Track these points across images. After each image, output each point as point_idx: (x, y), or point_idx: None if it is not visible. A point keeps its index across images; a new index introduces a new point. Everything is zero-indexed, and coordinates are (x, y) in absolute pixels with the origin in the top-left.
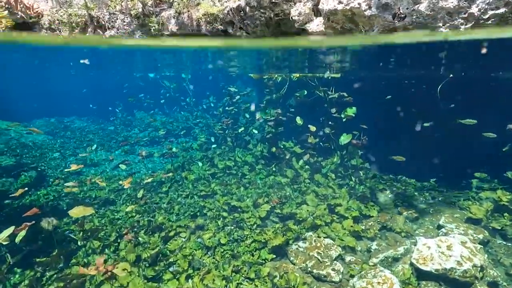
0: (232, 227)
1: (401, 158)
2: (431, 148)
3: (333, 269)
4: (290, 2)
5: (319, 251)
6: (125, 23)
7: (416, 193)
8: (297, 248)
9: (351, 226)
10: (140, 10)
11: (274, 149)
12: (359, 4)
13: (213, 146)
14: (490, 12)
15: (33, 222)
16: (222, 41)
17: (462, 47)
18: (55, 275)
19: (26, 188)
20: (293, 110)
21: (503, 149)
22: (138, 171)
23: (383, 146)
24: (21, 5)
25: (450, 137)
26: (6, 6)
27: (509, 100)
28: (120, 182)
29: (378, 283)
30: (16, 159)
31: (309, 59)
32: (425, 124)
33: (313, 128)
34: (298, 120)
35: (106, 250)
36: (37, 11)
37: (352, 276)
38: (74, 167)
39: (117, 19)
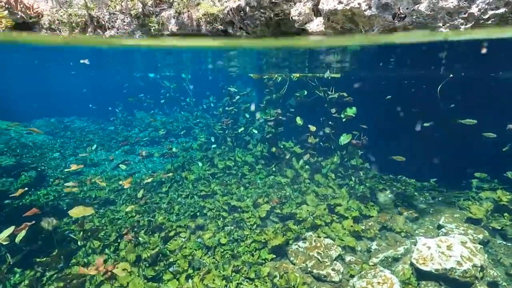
0: (232, 227)
1: (401, 158)
2: (431, 148)
3: (333, 269)
4: (290, 2)
5: (319, 251)
6: (125, 23)
7: (416, 193)
8: (297, 248)
9: (351, 226)
10: (140, 10)
11: (274, 149)
12: (359, 4)
13: (213, 146)
14: (490, 12)
15: (33, 222)
16: (222, 41)
17: (462, 47)
18: (55, 275)
19: (26, 188)
20: (293, 110)
21: (503, 149)
22: (138, 171)
23: (383, 146)
24: (21, 5)
25: (450, 137)
26: (6, 6)
27: (509, 100)
28: (120, 182)
29: (378, 283)
30: (16, 159)
31: (309, 59)
32: (425, 124)
33: (313, 128)
34: (298, 120)
35: (106, 250)
36: (37, 11)
37: (352, 276)
38: (74, 167)
39: (117, 19)
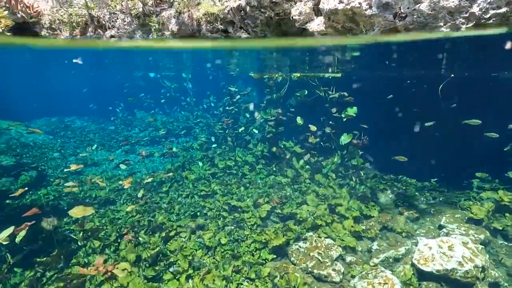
0: (233, 227)
1: (403, 158)
2: (432, 148)
3: (334, 270)
4: (291, 2)
5: (320, 251)
6: (125, 23)
7: (417, 193)
8: (297, 248)
9: (352, 226)
10: (141, 9)
11: (274, 149)
12: (359, 3)
13: (214, 145)
14: (492, 12)
15: (33, 222)
16: (222, 42)
17: (463, 45)
18: (55, 275)
19: (26, 188)
20: (293, 109)
21: (505, 149)
22: (139, 170)
23: (384, 146)
24: (21, 4)
25: (451, 137)
26: (6, 5)
27: (510, 99)
28: (120, 182)
29: (379, 283)
30: (17, 158)
31: (310, 58)
32: (426, 124)
33: (313, 128)
34: (299, 120)
35: (106, 250)
36: (37, 10)
37: (353, 277)
38: (74, 167)
39: (117, 18)
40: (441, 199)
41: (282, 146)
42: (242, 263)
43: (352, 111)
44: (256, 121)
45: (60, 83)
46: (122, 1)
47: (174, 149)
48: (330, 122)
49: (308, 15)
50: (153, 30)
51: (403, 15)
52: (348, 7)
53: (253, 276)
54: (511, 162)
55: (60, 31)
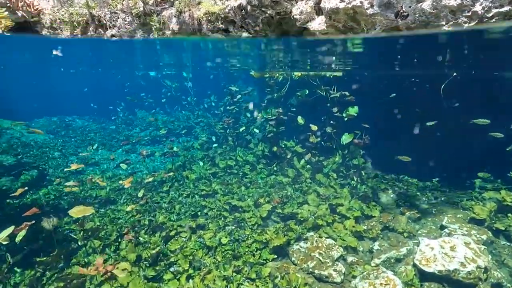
0: (233, 227)
1: (407, 158)
2: (434, 148)
3: (335, 270)
4: (292, 1)
5: (321, 252)
6: (126, 22)
7: (418, 193)
8: (298, 249)
9: (353, 226)
10: (141, 9)
11: (275, 148)
12: (361, 2)
13: (214, 145)
14: (494, 10)
15: (33, 221)
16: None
17: (466, 41)
18: (55, 275)
19: (26, 188)
20: (294, 109)
21: (507, 149)
22: (139, 170)
23: (385, 146)
24: (22, 3)
25: (453, 137)
26: (7, 4)
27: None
28: (121, 182)
29: (381, 284)
30: (17, 158)
31: (311, 57)
32: (428, 123)
33: (314, 127)
34: (300, 119)
35: (107, 249)
36: (37, 8)
37: (354, 277)
38: (74, 166)
39: (118, 18)
40: (443, 199)
41: (283, 146)
42: (242, 263)
43: (353, 110)
44: (257, 121)
45: (61, 83)
46: (123, 1)
47: (175, 149)
48: (331, 122)
49: (309, 14)
50: (154, 29)
51: (405, 14)
52: (350, 6)
53: (253, 276)
54: None
55: (61, 30)
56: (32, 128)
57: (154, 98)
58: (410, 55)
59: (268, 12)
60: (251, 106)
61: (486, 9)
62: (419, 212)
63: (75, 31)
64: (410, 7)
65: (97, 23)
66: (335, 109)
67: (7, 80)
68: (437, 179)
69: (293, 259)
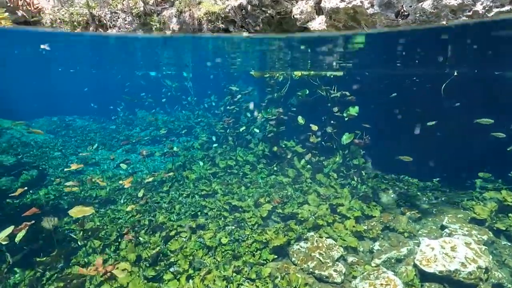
0: (233, 227)
1: (408, 158)
2: (434, 148)
3: (335, 270)
4: (292, 1)
5: (321, 252)
6: (126, 22)
7: (419, 193)
8: (298, 249)
9: (353, 226)
10: (142, 9)
11: (275, 148)
12: (361, 2)
13: (215, 145)
14: (495, 10)
15: (33, 221)
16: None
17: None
18: (55, 275)
19: (26, 188)
20: (294, 109)
21: (508, 149)
22: (139, 170)
23: (385, 146)
24: (22, 1)
25: (453, 137)
26: (8, 4)
27: None
28: (121, 182)
29: (381, 284)
30: (17, 158)
31: (311, 57)
32: (429, 123)
33: (315, 127)
34: (300, 119)
35: (107, 249)
36: (37, 7)
37: (354, 277)
38: (74, 166)
39: (118, 18)
40: (443, 199)
41: (283, 146)
42: (242, 263)
43: (354, 110)
44: (257, 121)
45: (62, 82)
46: (123, 0)
47: (175, 149)
48: (332, 122)
49: (309, 14)
50: (154, 29)
51: (405, 13)
52: (350, 5)
53: (253, 276)
54: None
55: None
56: (32, 128)
57: (154, 98)
58: (410, 51)
59: (269, 11)
60: (251, 106)
61: (487, 8)
62: (420, 212)
63: (75, 31)
64: (410, 6)
65: (97, 23)
66: (335, 109)
67: (7, 80)
68: (438, 179)
69: (293, 259)
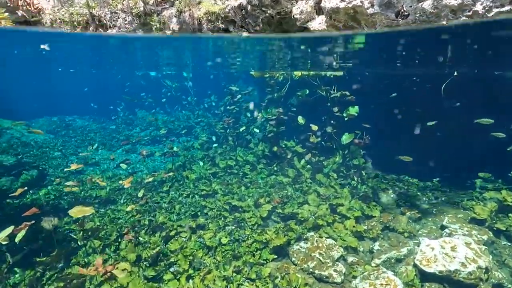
0: (233, 227)
1: (408, 158)
2: (434, 148)
3: (335, 270)
4: (292, 0)
5: (321, 252)
6: (126, 22)
7: (419, 193)
8: (298, 249)
9: (353, 226)
10: (142, 9)
11: (275, 148)
12: (361, 2)
13: (215, 145)
14: (495, 10)
15: (33, 221)
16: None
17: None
18: (55, 275)
19: (26, 188)
20: (294, 109)
21: (508, 149)
22: (139, 170)
23: (385, 146)
24: (22, 1)
25: (453, 136)
26: (8, 4)
27: None
28: (121, 182)
29: (381, 284)
30: (18, 158)
31: (311, 56)
32: (428, 123)
33: (315, 127)
34: (300, 119)
35: (107, 249)
36: (37, 7)
37: (354, 277)
38: (73, 166)
39: (118, 18)
40: (443, 199)
41: (283, 146)
42: (242, 263)
43: (354, 110)
44: (257, 121)
45: (62, 82)
46: (123, 0)
47: (175, 149)
48: (332, 122)
49: (309, 14)
50: (154, 29)
51: (405, 13)
52: (350, 5)
53: (253, 276)
54: None
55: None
56: (32, 128)
57: (154, 98)
58: (411, 51)
59: (269, 11)
60: (251, 106)
61: (487, 8)
62: (420, 212)
63: (76, 31)
64: (410, 6)
65: (97, 23)
66: (335, 109)
67: (7, 80)
68: (438, 179)
69: (293, 259)
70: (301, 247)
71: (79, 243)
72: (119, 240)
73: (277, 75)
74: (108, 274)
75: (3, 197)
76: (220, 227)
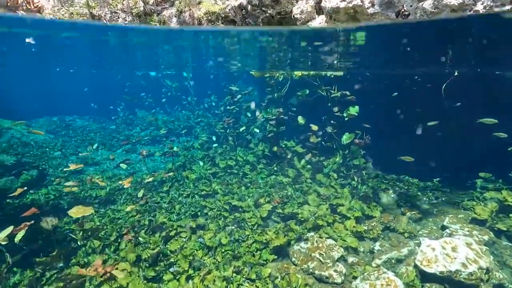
0: (233, 227)
1: (409, 158)
2: (434, 148)
3: (335, 270)
4: (292, 0)
5: (321, 252)
6: (126, 22)
7: (419, 193)
8: (298, 249)
9: (354, 227)
10: (142, 8)
11: (275, 148)
12: (361, 1)
13: (215, 145)
14: (496, 9)
15: (32, 221)
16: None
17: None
18: (54, 275)
19: (26, 188)
20: (294, 109)
21: (509, 149)
22: (139, 170)
23: (386, 146)
24: (22, 0)
25: (454, 137)
26: (7, 4)
27: None
28: (121, 182)
29: (382, 285)
30: (18, 157)
31: (312, 56)
32: (429, 123)
33: (315, 127)
34: (300, 119)
35: (106, 250)
36: (37, 6)
37: (354, 278)
38: (73, 166)
39: (118, 18)
40: (444, 199)
41: (283, 146)
42: (242, 264)
43: (354, 110)
44: (257, 121)
45: (62, 82)
46: (123, 0)
47: (175, 149)
48: (332, 122)
49: (309, 14)
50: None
51: (406, 13)
52: (350, 5)
53: (253, 276)
54: None
55: None
56: (32, 128)
57: (154, 98)
58: (411, 51)
59: (269, 11)
60: (251, 106)
61: (487, 8)
62: (420, 212)
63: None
64: (411, 6)
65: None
66: (335, 109)
67: (7, 80)
68: (438, 179)
69: (293, 259)
70: (301, 247)
71: (78, 243)
72: (119, 240)
73: (277, 75)
74: (108, 274)
75: (3, 197)
76: (220, 227)
